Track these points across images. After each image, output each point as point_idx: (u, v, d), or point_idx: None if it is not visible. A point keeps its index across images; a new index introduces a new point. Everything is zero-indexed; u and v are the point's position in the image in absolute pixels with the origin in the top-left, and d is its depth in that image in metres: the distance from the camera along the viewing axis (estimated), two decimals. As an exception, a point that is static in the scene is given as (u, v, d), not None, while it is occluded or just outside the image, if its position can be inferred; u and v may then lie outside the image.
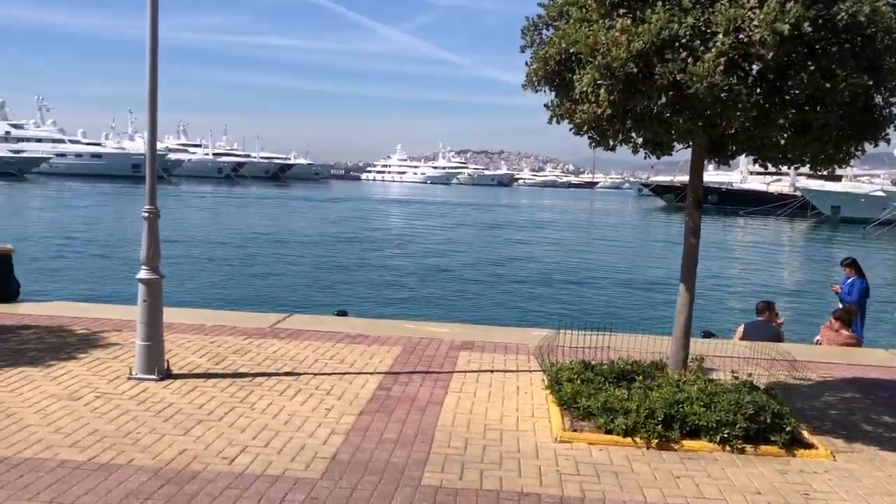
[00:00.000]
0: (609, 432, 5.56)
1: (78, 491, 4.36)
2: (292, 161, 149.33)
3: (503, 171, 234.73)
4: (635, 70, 5.11)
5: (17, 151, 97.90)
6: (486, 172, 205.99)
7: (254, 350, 7.78)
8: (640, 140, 5.92)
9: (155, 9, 6.34)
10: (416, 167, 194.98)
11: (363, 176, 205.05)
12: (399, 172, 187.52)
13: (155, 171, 6.66)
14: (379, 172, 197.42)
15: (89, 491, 4.36)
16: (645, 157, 6.19)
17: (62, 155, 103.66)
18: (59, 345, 7.68)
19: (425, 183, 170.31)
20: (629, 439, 5.51)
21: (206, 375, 6.80)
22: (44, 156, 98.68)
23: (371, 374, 7.07)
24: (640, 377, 6.13)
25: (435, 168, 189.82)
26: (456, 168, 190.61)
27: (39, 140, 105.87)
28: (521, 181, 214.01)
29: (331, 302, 16.31)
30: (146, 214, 6.52)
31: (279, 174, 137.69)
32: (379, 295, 19.13)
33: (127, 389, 6.30)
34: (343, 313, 11.04)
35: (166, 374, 6.68)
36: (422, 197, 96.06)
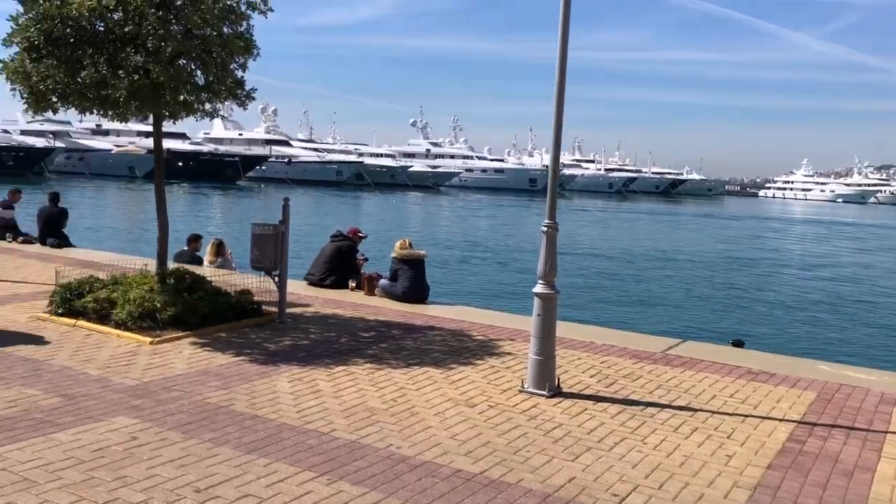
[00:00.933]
0: None
1: (469, 505, 4.33)
2: (684, 176, 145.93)
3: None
4: None
5: (435, 167, 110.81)
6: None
7: (645, 376, 7.32)
8: None
9: (566, 33, 6.31)
10: (823, 184, 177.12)
11: (761, 193, 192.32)
12: (803, 189, 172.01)
13: (556, 186, 6.59)
14: (779, 189, 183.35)
15: (479, 507, 4.30)
16: None
17: (470, 170, 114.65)
18: (458, 348, 8.06)
19: (834, 201, 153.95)
20: None
21: (596, 398, 6.53)
22: (455, 171, 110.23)
23: (779, 420, 6.15)
24: None
25: (847, 185, 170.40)
26: (874, 185, 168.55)
27: (452, 157, 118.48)
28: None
29: (725, 329, 15.17)
30: (545, 229, 6.46)
31: (670, 189, 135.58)
32: (780, 325, 17.34)
33: (518, 402, 6.29)
34: (739, 343, 10.04)
35: (556, 392, 6.55)
36: (830, 217, 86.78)
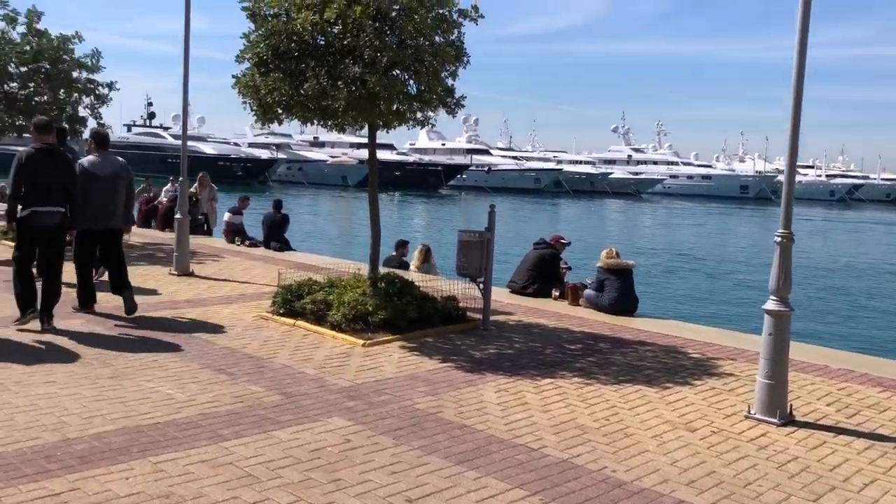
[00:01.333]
0: None
1: (695, 543, 3.92)
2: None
3: None
4: None
5: (636, 173, 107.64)
6: None
7: (894, 408, 6.42)
8: None
9: (804, 35, 5.68)
10: None
11: None
12: None
13: (792, 193, 5.94)
14: None
15: (708, 547, 3.88)
16: None
17: (674, 176, 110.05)
18: (672, 366, 7.55)
19: None
20: None
21: (835, 429, 5.80)
22: (658, 177, 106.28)
23: None
24: None
25: None
26: None
27: (655, 163, 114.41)
28: None
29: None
30: (779, 239, 5.84)
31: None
32: None
33: (745, 430, 5.71)
34: None
35: (789, 420, 5.89)
36: None
